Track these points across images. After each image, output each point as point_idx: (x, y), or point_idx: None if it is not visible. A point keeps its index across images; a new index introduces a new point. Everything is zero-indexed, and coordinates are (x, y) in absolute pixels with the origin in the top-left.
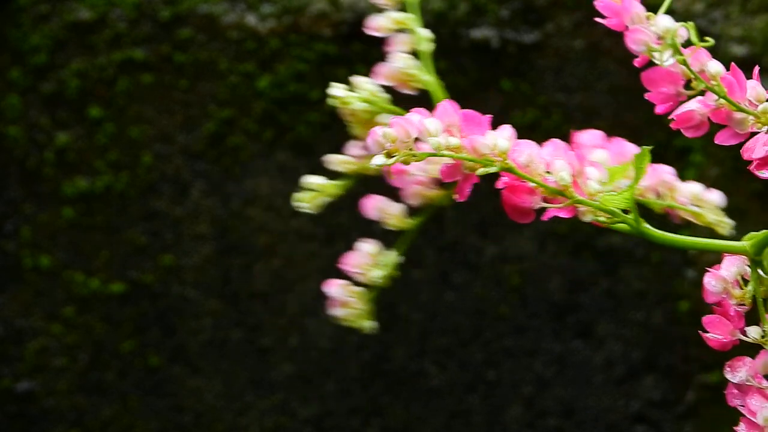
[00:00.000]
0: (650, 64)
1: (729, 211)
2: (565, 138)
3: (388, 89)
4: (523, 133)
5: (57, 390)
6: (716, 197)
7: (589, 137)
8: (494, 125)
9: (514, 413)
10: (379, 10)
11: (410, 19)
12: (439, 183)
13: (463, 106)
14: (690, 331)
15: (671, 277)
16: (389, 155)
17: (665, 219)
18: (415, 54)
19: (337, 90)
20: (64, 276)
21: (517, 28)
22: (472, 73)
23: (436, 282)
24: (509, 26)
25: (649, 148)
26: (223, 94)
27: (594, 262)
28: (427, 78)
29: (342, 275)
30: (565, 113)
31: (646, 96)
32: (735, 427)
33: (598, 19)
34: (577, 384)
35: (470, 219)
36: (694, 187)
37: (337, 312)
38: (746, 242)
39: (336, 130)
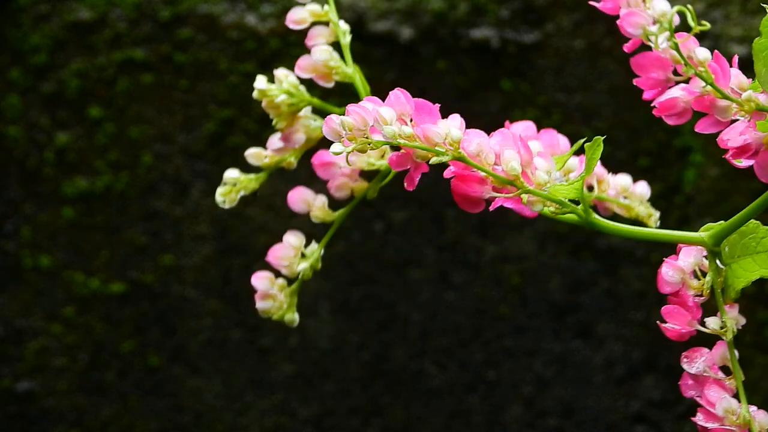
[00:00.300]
0: (640, 49)
1: (729, 211)
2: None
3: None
4: None
5: (57, 390)
6: (644, 189)
7: (521, 128)
8: (494, 125)
9: (514, 413)
10: (299, 3)
11: (329, 11)
12: (365, 175)
13: (463, 106)
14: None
15: None
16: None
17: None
18: (335, 46)
19: (259, 83)
20: (64, 276)
21: (517, 28)
22: (472, 73)
23: (436, 282)
24: (509, 26)
25: (601, 138)
26: (223, 94)
27: (594, 262)
28: (349, 70)
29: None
30: (565, 113)
31: (635, 81)
32: (692, 418)
33: (592, 2)
34: (577, 384)
35: (470, 219)
36: (622, 180)
37: (260, 305)
38: (704, 233)
39: None
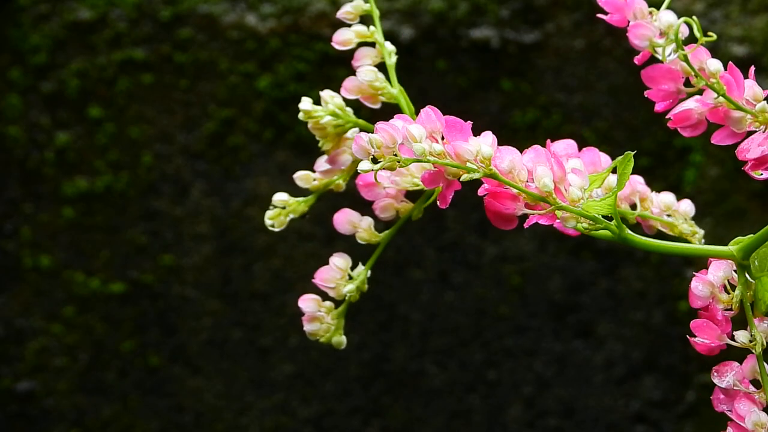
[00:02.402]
0: (650, 61)
1: (729, 211)
2: (566, 138)
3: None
4: (523, 133)
5: (57, 390)
6: (688, 207)
7: (562, 146)
8: (494, 125)
9: (514, 413)
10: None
11: (374, 32)
12: (409, 195)
13: (463, 106)
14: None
15: (671, 277)
16: (375, 161)
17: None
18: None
19: (304, 104)
20: (64, 276)
21: (517, 28)
22: (472, 73)
23: (436, 282)
24: (509, 26)
25: (632, 153)
26: (223, 94)
27: (594, 262)
28: (394, 91)
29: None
30: (565, 113)
31: (646, 93)
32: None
33: (600, 15)
34: (577, 384)
35: (470, 219)
36: (666, 198)
37: (308, 327)
38: (733, 247)
39: None
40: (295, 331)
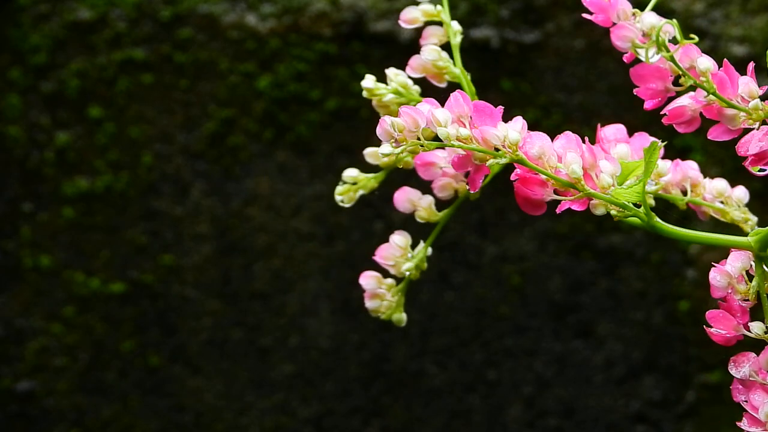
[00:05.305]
0: (639, 59)
1: None
2: None
3: (421, 82)
4: None
5: (57, 390)
6: (742, 194)
7: (612, 131)
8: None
9: (514, 413)
10: (413, 2)
11: (441, 11)
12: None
13: None
14: (690, 331)
15: (671, 277)
16: (397, 144)
17: (665, 216)
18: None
19: (368, 81)
20: (64, 276)
21: (517, 28)
22: (472, 73)
23: (436, 282)
24: (509, 26)
25: (659, 141)
26: (223, 94)
27: (594, 262)
28: (456, 71)
29: (377, 267)
30: (565, 113)
31: (635, 92)
32: (738, 422)
33: (586, 16)
34: (577, 384)
35: (470, 219)
36: (719, 184)
37: (369, 304)
38: (751, 238)
39: (336, 130)
40: (295, 331)
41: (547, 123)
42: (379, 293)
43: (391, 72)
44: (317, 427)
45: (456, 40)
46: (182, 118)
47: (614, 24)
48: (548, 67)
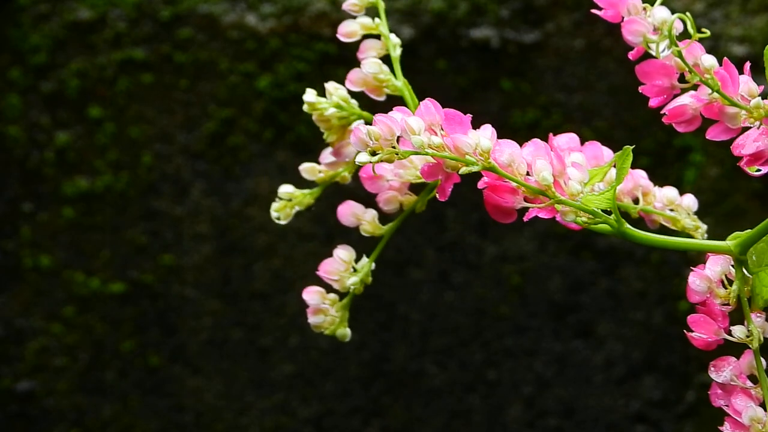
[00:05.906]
0: (645, 57)
1: (729, 210)
2: None
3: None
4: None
5: (57, 390)
6: (691, 202)
7: (565, 140)
8: (494, 125)
9: (514, 413)
10: (350, 15)
11: (379, 24)
12: (413, 188)
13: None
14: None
15: (671, 277)
16: (373, 153)
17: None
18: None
19: (309, 96)
20: (64, 276)
21: (517, 28)
22: (472, 73)
23: (436, 282)
24: (509, 26)
25: (631, 147)
26: (223, 94)
27: (594, 262)
28: (398, 84)
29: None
30: (565, 113)
31: (641, 89)
32: (720, 427)
33: (594, 11)
34: (577, 384)
35: (470, 219)
36: (669, 192)
37: (312, 320)
38: (731, 242)
39: None
40: (295, 331)
41: (547, 123)
42: (322, 308)
43: (330, 86)
44: (317, 427)
45: (396, 53)
46: (182, 118)
47: (624, 19)
48: (548, 67)
